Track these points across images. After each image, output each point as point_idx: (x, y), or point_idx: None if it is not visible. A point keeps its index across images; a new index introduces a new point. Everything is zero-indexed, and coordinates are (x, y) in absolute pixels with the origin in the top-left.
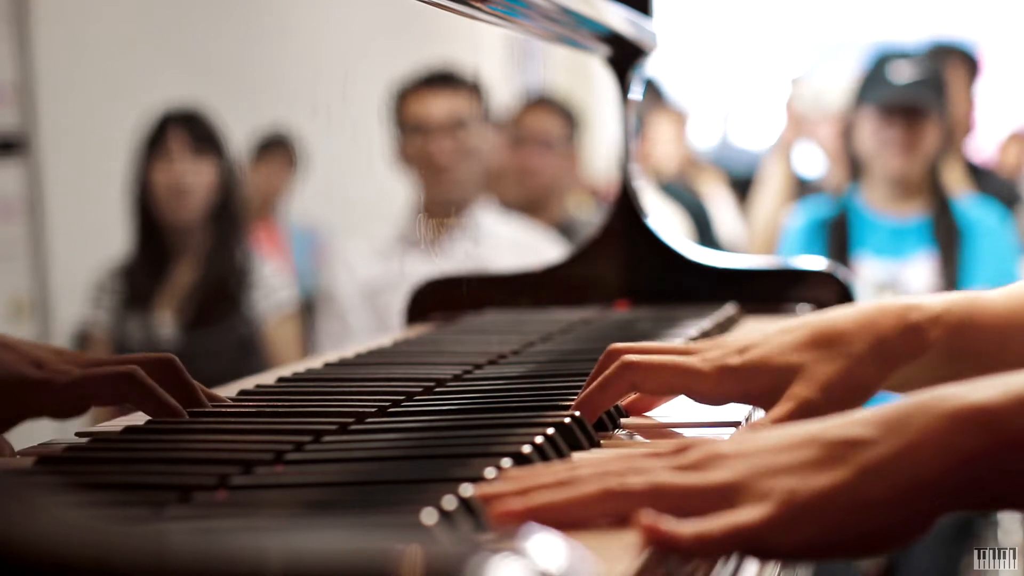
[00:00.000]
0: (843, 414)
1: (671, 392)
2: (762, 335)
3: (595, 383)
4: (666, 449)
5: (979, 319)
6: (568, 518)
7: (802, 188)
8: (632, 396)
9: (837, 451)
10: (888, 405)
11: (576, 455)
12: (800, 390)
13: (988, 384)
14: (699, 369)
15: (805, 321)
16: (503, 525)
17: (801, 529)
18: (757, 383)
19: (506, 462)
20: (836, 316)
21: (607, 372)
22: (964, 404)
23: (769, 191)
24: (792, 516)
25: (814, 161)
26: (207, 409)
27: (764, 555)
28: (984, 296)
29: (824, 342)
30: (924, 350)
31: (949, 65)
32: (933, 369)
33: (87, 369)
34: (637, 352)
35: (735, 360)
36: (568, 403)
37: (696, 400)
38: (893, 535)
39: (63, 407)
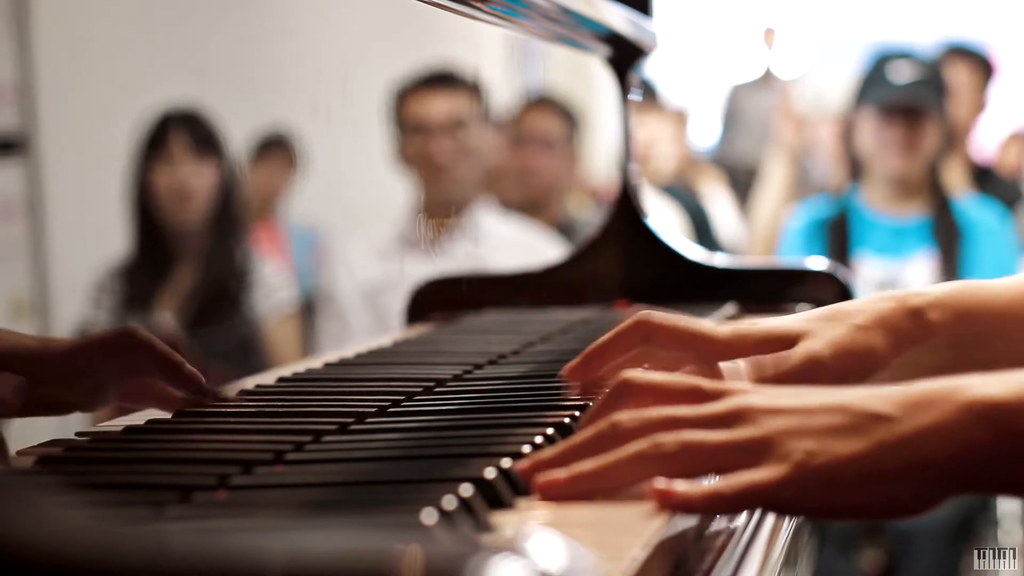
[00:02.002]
0: (873, 387)
1: (681, 350)
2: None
3: (607, 335)
4: (699, 385)
5: (981, 305)
6: (607, 483)
7: (802, 188)
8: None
9: (861, 422)
10: (915, 387)
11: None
12: (810, 343)
13: (1003, 378)
14: (712, 334)
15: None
16: (547, 495)
17: (814, 490)
18: (767, 349)
19: (506, 462)
20: (840, 304)
21: (620, 325)
22: (976, 396)
23: (769, 191)
24: (807, 478)
25: (814, 161)
26: (207, 409)
27: (777, 510)
28: (986, 284)
29: (830, 315)
30: (928, 333)
31: (962, 67)
32: (938, 356)
33: (85, 337)
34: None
35: (746, 328)
36: (568, 403)
37: (705, 366)
38: (900, 506)
39: (65, 378)
